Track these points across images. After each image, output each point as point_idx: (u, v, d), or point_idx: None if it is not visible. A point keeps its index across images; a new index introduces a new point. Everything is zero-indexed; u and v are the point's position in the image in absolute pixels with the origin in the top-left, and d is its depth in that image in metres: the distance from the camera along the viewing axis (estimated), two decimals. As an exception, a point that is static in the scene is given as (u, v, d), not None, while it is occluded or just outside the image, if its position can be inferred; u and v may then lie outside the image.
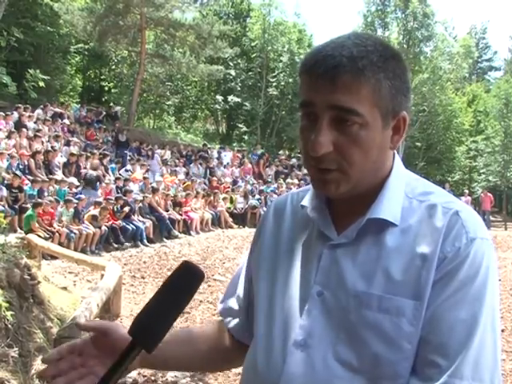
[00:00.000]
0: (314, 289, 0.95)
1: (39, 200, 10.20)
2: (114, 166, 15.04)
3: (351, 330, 0.90)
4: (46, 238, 9.19)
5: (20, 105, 15.17)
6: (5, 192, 10.26)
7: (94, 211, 11.10)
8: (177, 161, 17.55)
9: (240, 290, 1.16)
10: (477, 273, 0.87)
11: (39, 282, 5.17)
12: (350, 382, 0.89)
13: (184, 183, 15.59)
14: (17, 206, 10.30)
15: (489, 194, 21.52)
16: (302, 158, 0.97)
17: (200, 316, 6.64)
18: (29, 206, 10.14)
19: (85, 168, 13.49)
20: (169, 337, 0.85)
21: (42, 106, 16.53)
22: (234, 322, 1.16)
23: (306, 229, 1.03)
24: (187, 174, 16.99)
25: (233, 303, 1.17)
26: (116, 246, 11.09)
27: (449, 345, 0.85)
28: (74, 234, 10.22)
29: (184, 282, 0.80)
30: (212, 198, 15.22)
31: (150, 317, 0.77)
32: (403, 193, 0.96)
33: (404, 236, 0.91)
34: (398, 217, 0.93)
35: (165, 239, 12.46)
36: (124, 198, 12.10)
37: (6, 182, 10.67)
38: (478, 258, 0.88)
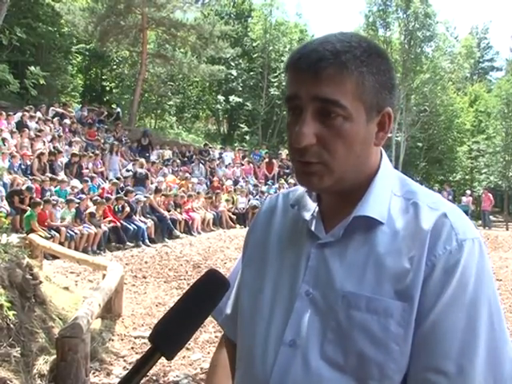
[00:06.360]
0: (302, 288, 0.94)
1: (38, 200, 10.18)
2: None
3: (339, 330, 0.89)
4: (47, 238, 9.20)
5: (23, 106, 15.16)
6: (3, 192, 10.25)
7: (91, 209, 11.09)
8: (178, 161, 17.54)
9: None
10: (471, 276, 0.86)
11: (41, 282, 5.18)
12: (336, 381, 0.88)
13: (183, 181, 15.53)
14: (23, 206, 10.24)
15: (488, 194, 21.29)
16: (289, 152, 0.96)
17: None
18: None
19: (86, 168, 13.49)
20: None
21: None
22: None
23: (296, 228, 1.02)
24: (189, 173, 16.95)
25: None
26: (117, 245, 11.11)
27: (454, 351, 0.84)
28: (75, 233, 10.24)
29: (208, 290, 0.79)
30: (213, 198, 15.23)
31: (170, 323, 0.75)
32: (390, 191, 0.95)
33: (392, 236, 0.91)
34: (385, 215, 0.92)
35: (166, 239, 12.44)
36: (125, 198, 12.11)
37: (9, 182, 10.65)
38: (471, 260, 0.87)
